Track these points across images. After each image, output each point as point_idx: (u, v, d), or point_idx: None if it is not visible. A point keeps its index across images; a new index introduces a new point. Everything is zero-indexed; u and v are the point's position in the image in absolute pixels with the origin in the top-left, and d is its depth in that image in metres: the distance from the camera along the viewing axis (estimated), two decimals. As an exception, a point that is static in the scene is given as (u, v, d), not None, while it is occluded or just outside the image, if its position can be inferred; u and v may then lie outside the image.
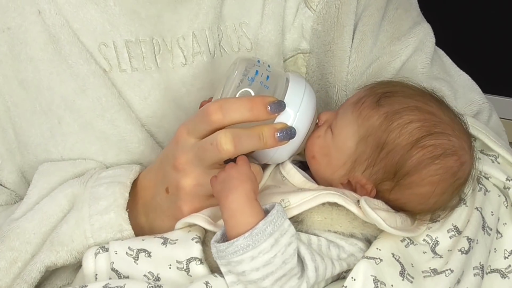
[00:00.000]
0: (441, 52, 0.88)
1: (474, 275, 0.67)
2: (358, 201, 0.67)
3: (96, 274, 0.69)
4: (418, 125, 0.67)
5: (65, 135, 0.78)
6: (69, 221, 0.72)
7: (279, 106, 0.68)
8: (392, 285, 0.63)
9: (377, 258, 0.64)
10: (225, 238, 0.64)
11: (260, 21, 0.84)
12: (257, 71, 0.70)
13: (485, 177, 0.73)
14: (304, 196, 0.66)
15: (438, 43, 0.87)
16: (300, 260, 0.63)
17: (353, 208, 0.66)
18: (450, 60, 0.88)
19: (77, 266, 0.74)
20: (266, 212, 0.63)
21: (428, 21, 0.87)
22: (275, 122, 0.69)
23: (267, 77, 0.70)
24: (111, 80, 0.78)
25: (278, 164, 0.75)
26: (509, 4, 1.89)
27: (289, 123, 0.69)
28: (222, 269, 0.63)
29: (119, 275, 0.68)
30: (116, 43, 0.78)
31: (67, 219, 0.72)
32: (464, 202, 0.70)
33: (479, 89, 0.86)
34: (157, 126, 0.81)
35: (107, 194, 0.73)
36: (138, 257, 0.68)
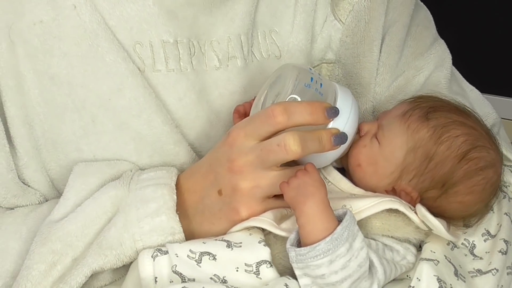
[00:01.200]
0: (454, 69, 0.95)
1: (508, 274, 0.74)
2: (410, 207, 0.72)
3: (156, 277, 0.68)
4: (464, 139, 0.74)
5: (99, 134, 0.77)
6: (117, 224, 0.71)
7: (335, 112, 0.72)
8: (450, 284, 0.69)
9: (435, 260, 0.70)
10: (298, 242, 0.67)
11: (290, 30, 0.86)
12: (312, 78, 0.73)
13: (505, 186, 0.81)
14: (367, 202, 0.71)
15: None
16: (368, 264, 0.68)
17: (412, 215, 0.71)
18: (460, 75, 0.95)
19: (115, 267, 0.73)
20: (337, 218, 0.67)
21: None
22: (328, 127, 0.73)
23: (321, 84, 0.74)
24: (146, 80, 0.77)
25: (320, 170, 0.78)
26: (509, 4, 1.90)
27: (340, 129, 0.73)
28: (297, 272, 0.66)
29: (183, 278, 0.68)
30: (152, 42, 0.77)
31: (114, 222, 0.71)
32: (492, 209, 0.78)
33: (489, 104, 0.94)
34: (189, 128, 0.81)
35: (155, 196, 0.72)
36: (201, 260, 0.68)
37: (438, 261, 0.70)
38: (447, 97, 0.79)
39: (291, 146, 0.68)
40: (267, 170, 0.70)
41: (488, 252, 0.74)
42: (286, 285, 0.66)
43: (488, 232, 0.76)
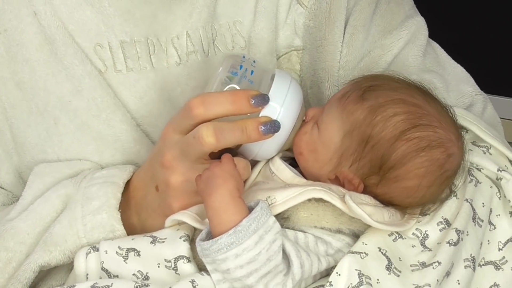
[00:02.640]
0: (435, 45, 0.87)
1: (465, 267, 0.66)
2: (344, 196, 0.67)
3: (87, 274, 0.69)
4: (402, 118, 0.67)
5: (61, 136, 0.79)
6: (62, 221, 0.73)
7: (263, 99, 0.68)
8: (378, 279, 0.63)
9: (362, 253, 0.64)
10: (210, 236, 0.64)
11: (253, 19, 0.84)
12: (241, 66, 0.71)
13: (477, 169, 0.72)
14: (290, 193, 0.66)
15: (439, 44, 0.86)
16: (286, 257, 0.63)
17: (338, 203, 0.65)
18: (445, 53, 0.87)
19: (72, 266, 0.74)
20: (251, 210, 0.63)
21: (428, 22, 0.87)
22: (259, 115, 0.69)
23: (252, 72, 0.71)
24: (106, 81, 0.78)
25: (268, 161, 0.75)
26: (509, 4, 1.88)
27: (274, 117, 0.69)
28: (208, 267, 0.63)
29: (109, 275, 0.68)
30: (111, 43, 0.78)
31: (60, 219, 0.73)
32: (455, 194, 0.69)
33: (472, 81, 0.85)
34: (152, 126, 0.81)
35: (99, 194, 0.73)
36: (127, 256, 0.68)
37: (366, 254, 0.63)
38: (398, 75, 0.71)
39: (204, 137, 0.66)
40: (195, 163, 0.69)
41: (440, 243, 0.66)
42: (193, 281, 0.64)
43: (446, 221, 0.68)
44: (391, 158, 0.66)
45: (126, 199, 0.74)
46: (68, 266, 0.75)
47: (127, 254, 0.68)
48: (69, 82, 0.77)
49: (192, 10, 0.81)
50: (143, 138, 0.80)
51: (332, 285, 0.62)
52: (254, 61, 0.72)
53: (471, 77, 0.85)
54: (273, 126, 0.68)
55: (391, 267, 0.64)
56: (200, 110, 0.67)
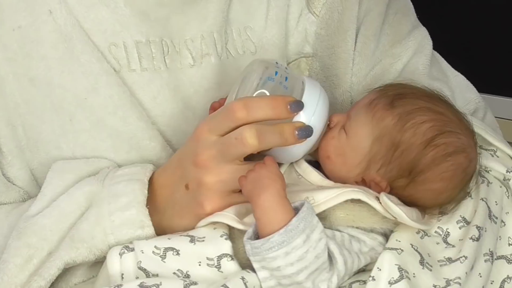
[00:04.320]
0: (437, 55, 0.93)
1: (485, 261, 0.71)
2: (377, 197, 0.71)
3: (123, 274, 0.69)
4: (430, 125, 0.72)
5: (77, 132, 0.79)
6: (89, 218, 0.73)
7: (299, 105, 0.71)
8: (414, 273, 0.67)
9: (398, 249, 0.68)
10: (256, 235, 0.67)
11: (264, 25, 0.87)
12: (276, 72, 0.73)
13: (486, 171, 0.78)
14: (328, 194, 0.70)
15: (437, 44, 0.92)
16: (329, 255, 0.67)
17: (375, 204, 0.70)
18: (445, 62, 0.94)
19: (92, 263, 0.75)
20: (295, 210, 0.66)
21: (427, 22, 0.92)
22: (293, 121, 0.72)
23: (286, 78, 0.74)
24: (121, 80, 0.79)
25: (291, 164, 0.78)
26: (508, 4, 1.90)
27: (306, 123, 0.73)
28: (255, 265, 0.66)
29: (147, 274, 0.69)
30: (126, 43, 0.79)
31: (86, 216, 0.73)
32: (470, 195, 0.75)
33: (474, 89, 0.92)
34: (165, 125, 0.83)
35: (127, 191, 0.74)
36: (165, 255, 0.69)
37: (402, 250, 0.68)
38: (418, 84, 0.77)
39: (247, 139, 0.68)
40: (230, 164, 0.71)
41: (462, 239, 0.72)
42: (243, 278, 0.66)
43: (464, 219, 0.74)
44: (420, 163, 0.71)
45: (149, 197, 0.75)
46: (88, 263, 0.75)
47: (165, 253, 0.69)
48: (85, 79, 0.78)
49: (207, 13, 0.83)
50: (158, 136, 0.82)
51: (374, 280, 0.66)
52: (286, 68, 0.75)
53: (472, 84, 0.92)
54: (307, 131, 0.72)
55: (424, 262, 0.69)
56: (242, 113, 0.69)
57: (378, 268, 0.67)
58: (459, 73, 0.93)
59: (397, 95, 0.74)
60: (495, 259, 0.75)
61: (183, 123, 0.83)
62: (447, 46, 0.93)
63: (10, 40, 0.77)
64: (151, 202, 0.75)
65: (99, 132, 0.80)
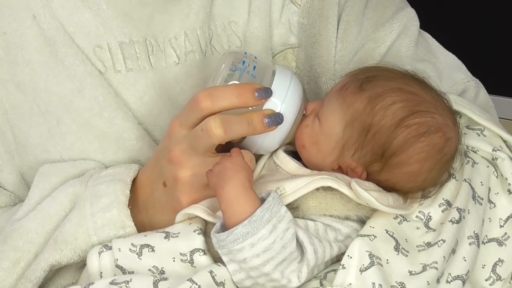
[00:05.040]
0: (426, 35, 0.90)
1: (469, 244, 0.69)
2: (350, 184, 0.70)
3: (101, 272, 0.70)
4: (401, 105, 0.70)
5: (64, 135, 0.81)
6: (71, 220, 0.74)
7: (266, 92, 0.71)
8: (387, 260, 0.65)
9: (371, 235, 0.66)
10: (224, 228, 0.66)
11: (247, 18, 0.87)
12: (243, 62, 0.73)
13: (473, 151, 0.75)
14: (299, 183, 0.69)
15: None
16: (299, 245, 0.65)
17: (346, 190, 0.68)
18: (436, 42, 0.91)
19: (81, 265, 0.76)
20: (263, 200, 0.65)
21: (427, 22, 0.90)
22: (263, 109, 0.72)
23: (254, 67, 0.73)
24: (107, 81, 0.80)
25: (271, 154, 0.77)
26: (509, 4, 1.90)
27: (276, 110, 0.72)
28: (224, 258, 0.65)
29: (123, 272, 0.70)
30: (110, 45, 0.80)
31: (69, 218, 0.75)
32: (454, 176, 0.72)
33: (464, 68, 0.88)
34: (153, 124, 0.83)
35: (108, 191, 0.75)
36: (141, 252, 0.70)
37: (374, 236, 0.66)
38: (393, 65, 0.75)
39: (213, 129, 0.68)
40: (202, 157, 0.71)
41: (443, 223, 0.69)
42: (211, 271, 0.65)
43: (448, 202, 0.71)
44: (392, 145, 0.69)
45: (133, 197, 0.76)
46: (77, 265, 0.77)
47: (141, 250, 0.70)
48: (70, 82, 0.79)
49: (189, 11, 0.83)
50: (145, 136, 0.82)
51: (345, 268, 0.64)
52: (255, 57, 0.74)
53: (463, 64, 0.89)
54: (276, 119, 0.71)
55: (399, 248, 0.67)
56: (207, 102, 0.69)
57: (348, 255, 0.65)
58: (450, 53, 0.89)
59: (366, 78, 0.72)
60: (486, 242, 0.72)
61: (171, 121, 0.84)
62: (447, 46, 0.90)
63: None
64: (134, 202, 0.76)
65: (86, 134, 0.81)
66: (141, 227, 0.75)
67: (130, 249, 0.70)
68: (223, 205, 0.66)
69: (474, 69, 0.91)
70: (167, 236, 0.70)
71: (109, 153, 0.82)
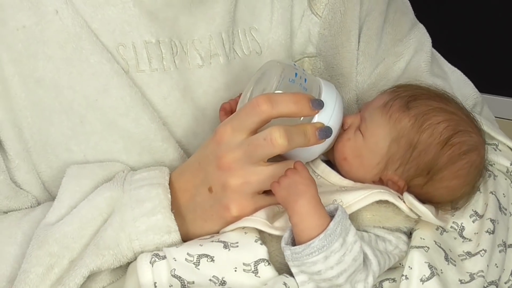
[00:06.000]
0: (433, 51, 0.96)
1: (500, 251, 0.76)
2: (398, 196, 0.74)
3: (155, 283, 0.70)
4: (446, 125, 0.75)
5: (88, 134, 0.78)
6: (113, 224, 0.73)
7: (320, 104, 0.73)
8: (441, 270, 0.71)
9: (425, 247, 0.72)
10: (292, 240, 0.68)
11: (269, 27, 0.88)
12: (296, 73, 0.75)
13: (490, 164, 0.83)
14: (356, 196, 0.72)
15: (437, 44, 0.95)
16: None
17: (401, 204, 0.73)
18: (442, 57, 0.97)
19: (110, 269, 0.74)
20: (329, 214, 0.68)
21: (427, 22, 0.95)
22: (313, 121, 0.74)
23: (305, 80, 0.75)
24: (132, 80, 0.79)
25: (308, 163, 0.80)
26: (508, 4, 1.93)
27: (325, 123, 0.75)
28: (294, 270, 0.68)
29: (182, 282, 0.69)
30: (135, 43, 0.79)
31: (110, 222, 0.73)
32: (478, 189, 0.80)
33: (471, 84, 0.96)
34: (176, 126, 0.82)
35: (151, 196, 0.74)
36: (199, 262, 0.70)
37: (428, 248, 0.72)
38: (426, 84, 0.80)
39: (277, 139, 0.69)
40: (255, 166, 0.71)
41: (477, 233, 0.76)
42: (285, 283, 0.68)
43: (476, 213, 0.78)
44: (439, 162, 0.75)
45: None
46: (108, 269, 0.75)
47: (199, 260, 0.70)
48: (95, 80, 0.77)
49: (214, 14, 0.83)
50: (169, 137, 0.81)
51: (407, 278, 0.69)
52: (303, 70, 0.76)
53: (468, 79, 0.96)
54: (327, 132, 0.74)
55: (448, 258, 0.73)
56: (267, 106, 0.69)
57: (409, 266, 0.70)
58: (456, 69, 0.97)
59: (411, 97, 0.77)
60: (507, 247, 0.80)
61: (193, 123, 0.83)
62: (447, 46, 0.96)
63: (14, 40, 0.75)
64: (172, 206, 0.75)
65: (110, 134, 0.79)
66: (179, 233, 0.75)
67: (186, 259, 0.70)
68: (296, 218, 0.68)
69: (473, 69, 0.96)
70: (226, 246, 0.71)
71: (133, 154, 0.80)
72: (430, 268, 0.70)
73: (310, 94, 0.74)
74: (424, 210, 0.72)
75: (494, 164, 0.83)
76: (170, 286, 0.70)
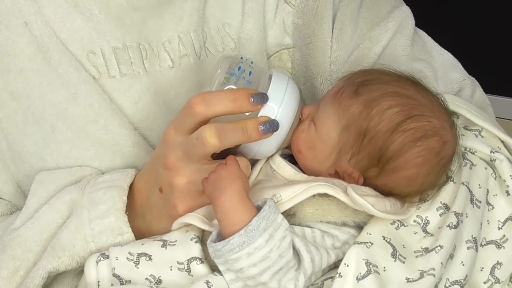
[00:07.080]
0: (422, 33, 0.89)
1: (468, 248, 0.68)
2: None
3: (99, 282, 0.70)
4: (397, 110, 0.69)
5: (60, 143, 0.80)
6: (69, 227, 0.74)
7: (262, 98, 0.70)
8: (384, 267, 0.65)
9: (368, 242, 0.66)
10: (220, 237, 0.66)
11: (241, 20, 0.86)
12: (239, 67, 0.72)
13: (471, 152, 0.75)
14: (295, 190, 0.68)
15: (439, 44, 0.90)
16: (296, 253, 0.65)
17: (342, 196, 0.68)
18: (432, 40, 0.90)
19: (79, 271, 0.76)
20: (259, 209, 0.65)
21: (428, 22, 0.90)
22: (258, 115, 0.71)
23: (250, 73, 0.72)
24: (101, 87, 0.80)
25: (268, 159, 0.77)
26: (509, 4, 1.90)
27: (272, 117, 0.71)
28: (221, 267, 0.65)
29: (121, 281, 0.70)
30: (103, 50, 0.79)
31: (67, 224, 0.74)
32: (452, 179, 0.72)
33: (460, 67, 0.87)
34: (149, 129, 0.83)
35: (105, 198, 0.75)
36: (139, 261, 0.70)
37: (371, 243, 0.66)
38: (389, 68, 0.74)
39: (207, 138, 0.67)
40: (198, 164, 0.70)
41: (441, 227, 0.69)
42: (207, 281, 0.65)
43: (445, 205, 0.70)
44: (389, 150, 0.69)
45: (130, 203, 0.76)
46: (75, 271, 0.77)
47: (138, 259, 0.70)
48: (64, 89, 0.79)
49: (182, 14, 0.82)
50: (141, 141, 0.82)
51: (341, 276, 0.64)
52: (251, 62, 0.74)
53: (459, 62, 0.88)
54: (272, 126, 0.70)
55: (396, 255, 0.66)
56: (201, 107, 0.68)
57: (345, 264, 0.65)
58: (446, 51, 0.88)
59: (362, 82, 0.71)
60: (484, 244, 0.72)
61: (166, 126, 0.83)
62: (447, 46, 0.90)
63: None
64: (132, 208, 0.76)
65: (81, 142, 0.80)
66: (139, 233, 0.75)
67: (127, 258, 0.70)
68: (219, 214, 0.65)
69: (473, 69, 0.91)
70: (164, 244, 0.70)
71: (105, 160, 0.81)
72: (367, 266, 0.64)
73: (253, 89, 0.71)
74: (363, 203, 0.66)
75: (476, 152, 0.75)
76: (111, 284, 0.70)
